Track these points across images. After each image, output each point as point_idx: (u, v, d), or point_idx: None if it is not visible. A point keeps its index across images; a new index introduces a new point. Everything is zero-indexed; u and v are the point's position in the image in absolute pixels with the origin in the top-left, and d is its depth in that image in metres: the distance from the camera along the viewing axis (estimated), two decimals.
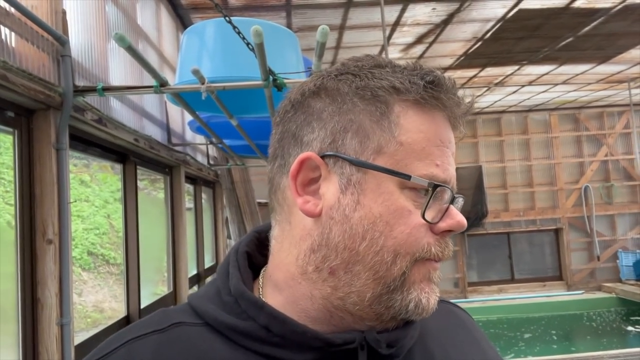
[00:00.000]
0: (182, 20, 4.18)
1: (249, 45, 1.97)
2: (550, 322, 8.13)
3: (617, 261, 9.09)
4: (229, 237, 5.74)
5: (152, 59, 3.29)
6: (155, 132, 3.24)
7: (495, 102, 8.41)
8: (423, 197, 0.53)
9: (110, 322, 2.66)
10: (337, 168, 0.54)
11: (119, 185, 3.01)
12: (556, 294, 8.98)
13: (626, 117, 9.37)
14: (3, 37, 1.63)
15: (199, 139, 4.62)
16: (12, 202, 1.83)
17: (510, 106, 8.90)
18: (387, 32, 4.61)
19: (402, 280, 0.52)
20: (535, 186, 9.39)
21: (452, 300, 0.73)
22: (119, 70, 2.70)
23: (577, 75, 6.84)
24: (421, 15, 4.44)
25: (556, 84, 7.35)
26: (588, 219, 9.29)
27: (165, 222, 3.87)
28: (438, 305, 0.66)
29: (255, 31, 1.50)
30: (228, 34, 2.11)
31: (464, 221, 0.54)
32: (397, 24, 4.60)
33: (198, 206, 4.96)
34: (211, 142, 4.26)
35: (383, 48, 4.11)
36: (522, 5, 4.28)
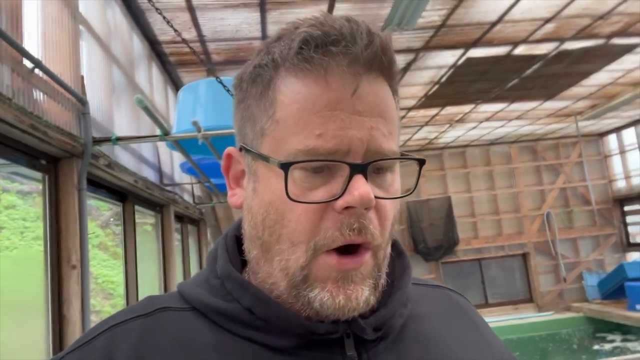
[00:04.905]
0: (170, 75, 4.65)
1: None
2: (523, 343, 8.51)
3: (583, 282, 9.59)
4: None
5: None
6: (149, 174, 3.63)
7: (459, 137, 9.07)
8: (317, 175, 0.48)
9: None
10: (246, 159, 0.54)
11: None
12: (528, 316, 9.41)
13: (579, 147, 10.17)
14: (39, 98, 2.04)
15: (186, 179, 5.01)
16: (41, 236, 2.18)
17: (473, 140, 9.58)
18: None
19: (305, 275, 0.48)
20: (501, 214, 9.96)
21: None
22: (121, 120, 3.12)
23: (528, 111, 7.54)
24: None
25: (511, 120, 8.04)
26: (552, 243, 9.85)
27: (156, 259, 4.18)
28: (433, 290, 0.65)
29: None
30: (218, 91, 2.57)
31: (366, 194, 0.46)
32: None
33: (185, 243, 5.27)
34: (198, 182, 4.64)
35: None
36: (469, 55, 4.91)
